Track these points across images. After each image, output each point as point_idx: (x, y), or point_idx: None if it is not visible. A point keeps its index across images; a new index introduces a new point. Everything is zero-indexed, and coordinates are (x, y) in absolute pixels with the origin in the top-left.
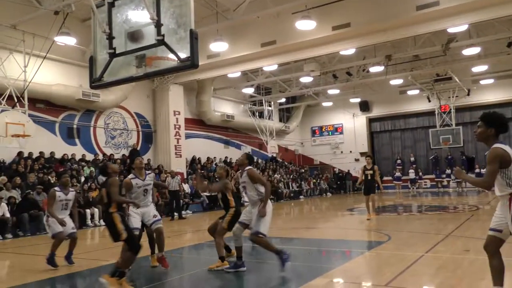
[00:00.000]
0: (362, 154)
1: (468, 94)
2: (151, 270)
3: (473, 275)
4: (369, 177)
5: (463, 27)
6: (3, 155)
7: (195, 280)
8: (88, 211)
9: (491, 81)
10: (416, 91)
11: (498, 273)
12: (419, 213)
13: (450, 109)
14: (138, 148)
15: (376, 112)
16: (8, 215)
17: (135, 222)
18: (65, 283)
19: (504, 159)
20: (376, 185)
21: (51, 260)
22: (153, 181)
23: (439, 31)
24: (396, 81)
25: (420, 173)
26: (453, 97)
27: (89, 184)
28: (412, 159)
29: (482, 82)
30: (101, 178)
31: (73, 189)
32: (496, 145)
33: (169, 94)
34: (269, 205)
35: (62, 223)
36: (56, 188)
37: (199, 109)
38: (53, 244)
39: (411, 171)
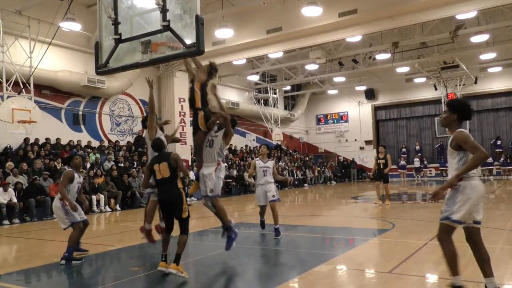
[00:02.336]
0: (367, 142)
1: (475, 82)
2: (157, 254)
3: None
4: (381, 166)
5: (472, 14)
6: (9, 141)
7: (200, 266)
8: (94, 197)
9: (499, 69)
10: (423, 79)
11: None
12: (423, 201)
13: (457, 97)
14: (143, 135)
15: (381, 100)
16: (15, 200)
17: None
18: (72, 268)
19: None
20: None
21: (71, 256)
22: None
23: (447, 18)
24: (403, 69)
25: (425, 162)
26: (460, 85)
27: (94, 170)
28: (417, 147)
29: (490, 70)
30: (153, 153)
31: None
32: (460, 129)
33: (174, 81)
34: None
35: (75, 207)
36: (71, 170)
37: None
38: (73, 236)
39: (416, 159)
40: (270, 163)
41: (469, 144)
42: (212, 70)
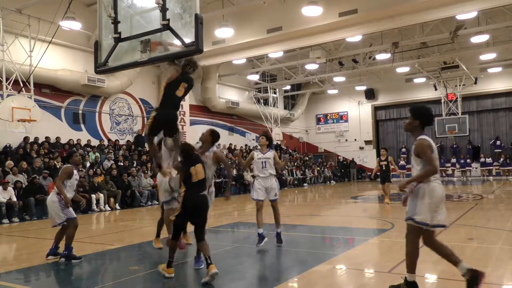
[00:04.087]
0: (367, 142)
1: (475, 83)
2: (156, 254)
3: (476, 263)
4: (384, 168)
5: (472, 14)
6: (9, 140)
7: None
8: (93, 196)
9: (499, 69)
10: (423, 79)
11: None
12: None
13: (457, 98)
14: (143, 134)
15: (381, 100)
16: (14, 199)
17: None
18: (71, 266)
19: (431, 149)
20: (391, 173)
21: (71, 254)
22: None
23: (447, 18)
24: (403, 69)
25: None
26: (460, 85)
27: (94, 169)
28: None
29: (490, 70)
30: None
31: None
32: (422, 136)
33: None
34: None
35: (68, 204)
36: (70, 165)
37: (204, 95)
38: (69, 233)
39: None
40: (270, 154)
41: (425, 156)
42: (187, 65)
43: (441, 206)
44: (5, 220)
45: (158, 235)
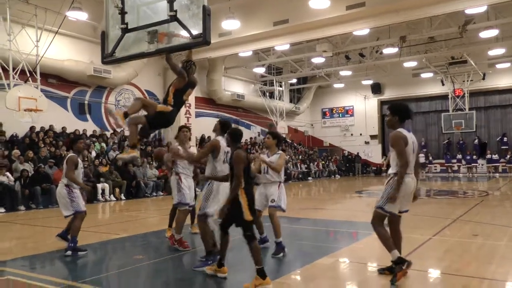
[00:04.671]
0: (372, 137)
1: (483, 78)
2: (160, 243)
3: (481, 259)
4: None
5: (482, 9)
6: (16, 129)
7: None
8: (99, 185)
9: (507, 65)
10: (430, 74)
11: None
12: (427, 197)
13: (464, 93)
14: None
15: (388, 94)
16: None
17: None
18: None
19: (404, 141)
20: None
21: (76, 246)
22: None
23: (456, 12)
24: (410, 64)
25: (430, 158)
26: (467, 81)
27: (100, 159)
28: (423, 143)
29: (498, 66)
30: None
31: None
32: (398, 129)
33: None
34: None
35: (84, 191)
36: (74, 154)
37: (209, 88)
38: (76, 226)
39: (421, 155)
40: (275, 158)
41: (395, 148)
42: (189, 68)
43: (408, 197)
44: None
45: (170, 225)
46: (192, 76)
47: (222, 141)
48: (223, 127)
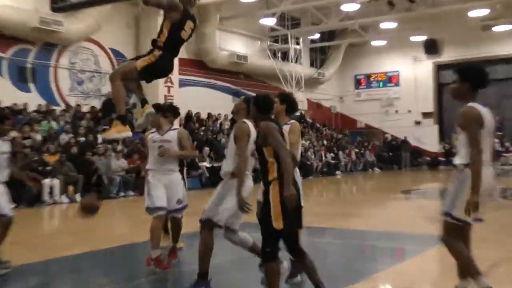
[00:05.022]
0: (425, 115)
1: None
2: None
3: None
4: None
5: None
6: None
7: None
8: (46, 181)
9: None
10: (507, 27)
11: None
12: (502, 198)
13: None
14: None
15: (447, 56)
16: None
17: None
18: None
19: (480, 121)
20: None
21: None
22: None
23: None
24: (478, 12)
25: (507, 144)
26: None
27: (47, 145)
28: (498, 124)
29: None
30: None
31: (8, 138)
32: (470, 104)
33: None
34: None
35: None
36: None
37: (199, 45)
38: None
39: (495, 140)
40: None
41: (468, 131)
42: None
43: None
44: None
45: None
46: (187, 4)
47: (251, 125)
48: (251, 105)
